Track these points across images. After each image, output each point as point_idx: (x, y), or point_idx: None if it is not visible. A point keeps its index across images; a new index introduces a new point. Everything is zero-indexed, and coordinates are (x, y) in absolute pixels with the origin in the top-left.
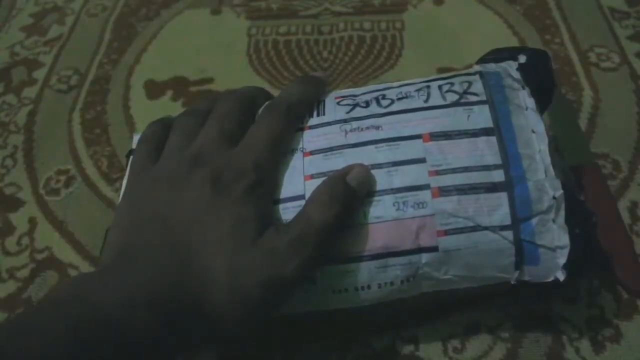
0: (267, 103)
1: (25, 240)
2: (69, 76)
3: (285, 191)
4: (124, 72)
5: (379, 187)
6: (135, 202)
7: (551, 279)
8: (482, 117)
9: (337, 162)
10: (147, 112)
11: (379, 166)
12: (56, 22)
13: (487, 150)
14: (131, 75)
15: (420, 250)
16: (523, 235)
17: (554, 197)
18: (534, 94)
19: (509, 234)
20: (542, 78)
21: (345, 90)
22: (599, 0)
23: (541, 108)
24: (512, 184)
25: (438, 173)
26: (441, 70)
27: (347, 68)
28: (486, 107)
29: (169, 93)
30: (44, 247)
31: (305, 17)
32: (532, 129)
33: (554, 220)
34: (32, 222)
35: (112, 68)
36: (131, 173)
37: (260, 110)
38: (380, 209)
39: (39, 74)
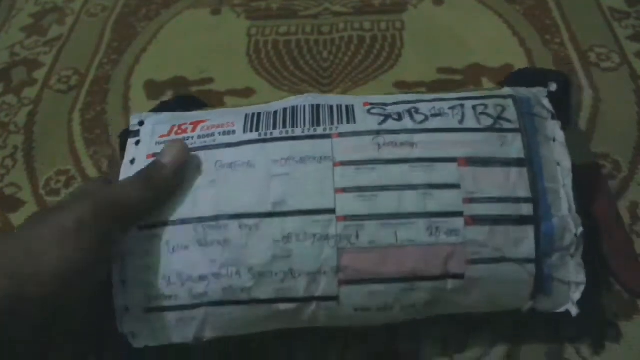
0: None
1: None
2: (69, 76)
3: (314, 202)
4: (124, 72)
5: (412, 209)
6: None
7: (561, 310)
8: (515, 146)
9: (370, 176)
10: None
11: (413, 187)
12: (56, 22)
13: (518, 182)
14: (131, 75)
15: (446, 276)
16: (544, 270)
17: (576, 235)
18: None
19: (532, 268)
20: (564, 104)
21: (373, 96)
22: (599, 0)
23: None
24: (539, 219)
25: (472, 201)
26: (441, 70)
27: (347, 68)
28: (519, 137)
29: (169, 93)
30: None
31: (305, 17)
32: (557, 162)
33: (571, 256)
34: None
35: (112, 68)
36: None
37: None
38: (413, 233)
39: (39, 74)
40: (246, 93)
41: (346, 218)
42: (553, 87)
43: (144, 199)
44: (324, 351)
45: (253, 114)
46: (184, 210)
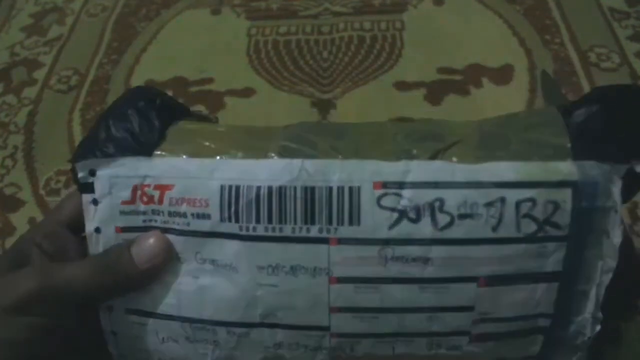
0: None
1: None
2: (69, 76)
3: (306, 320)
4: (124, 72)
5: (414, 329)
6: None
7: None
8: (553, 258)
9: (371, 298)
10: None
11: (419, 310)
12: (56, 22)
13: (544, 298)
14: (131, 75)
15: None
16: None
17: (589, 338)
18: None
19: None
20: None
21: (387, 166)
22: (599, 0)
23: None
24: (554, 328)
25: (483, 321)
26: (441, 70)
27: (347, 68)
28: (563, 249)
29: (169, 93)
30: None
31: (305, 17)
32: (601, 259)
33: (578, 349)
34: (32, 222)
35: (112, 68)
36: None
37: None
38: (412, 348)
39: (39, 74)
40: (246, 93)
41: (341, 335)
42: (638, 167)
43: (103, 292)
44: None
45: (230, 189)
46: (168, 307)
